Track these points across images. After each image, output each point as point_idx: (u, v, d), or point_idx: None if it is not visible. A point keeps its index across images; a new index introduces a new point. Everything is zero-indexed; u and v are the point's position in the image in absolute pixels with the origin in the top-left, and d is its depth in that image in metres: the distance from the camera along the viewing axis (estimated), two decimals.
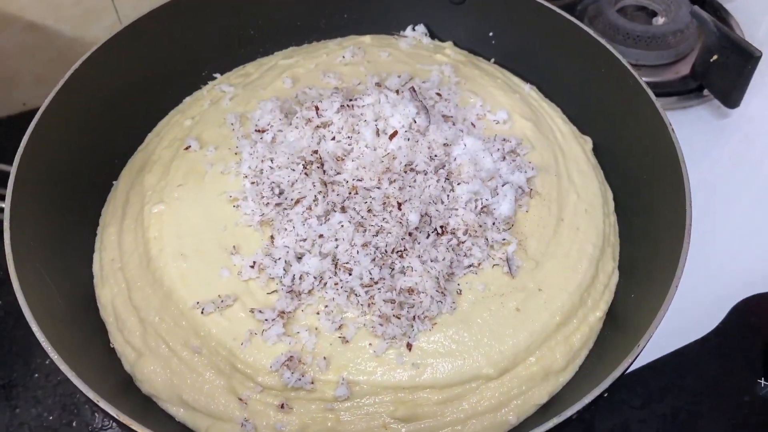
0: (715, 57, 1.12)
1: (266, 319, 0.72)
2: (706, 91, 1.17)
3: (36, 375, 0.93)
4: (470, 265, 0.75)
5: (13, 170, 0.72)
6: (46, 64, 1.19)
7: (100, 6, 1.16)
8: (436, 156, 0.79)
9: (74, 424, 0.89)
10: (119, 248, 0.81)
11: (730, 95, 1.12)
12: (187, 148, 0.85)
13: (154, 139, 0.93)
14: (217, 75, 1.00)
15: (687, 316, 0.90)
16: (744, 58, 1.07)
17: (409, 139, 0.78)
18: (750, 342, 0.92)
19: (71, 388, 0.91)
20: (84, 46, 1.18)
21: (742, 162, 1.12)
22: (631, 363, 0.62)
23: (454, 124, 0.83)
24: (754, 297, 0.95)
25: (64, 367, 0.57)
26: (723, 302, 0.95)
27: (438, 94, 0.88)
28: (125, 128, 0.91)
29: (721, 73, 1.12)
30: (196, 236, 0.79)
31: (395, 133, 0.79)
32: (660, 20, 1.22)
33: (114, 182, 0.89)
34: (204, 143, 0.87)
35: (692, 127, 1.15)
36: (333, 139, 0.79)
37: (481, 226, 0.76)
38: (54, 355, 0.59)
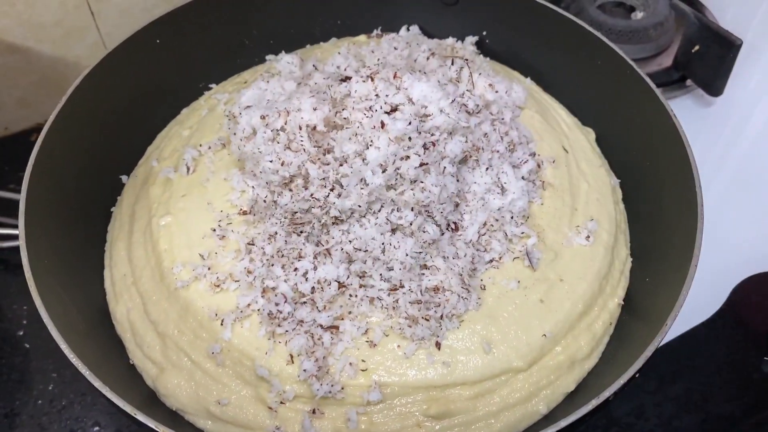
0: (696, 47, 1.15)
1: (286, 331, 0.71)
2: (689, 82, 1.19)
3: (39, 402, 0.91)
4: (491, 260, 0.75)
5: (22, 197, 0.71)
6: (28, 87, 1.17)
7: (82, 25, 1.14)
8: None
9: None
10: (130, 263, 0.80)
11: (713, 84, 1.15)
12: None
13: (154, 152, 0.92)
14: (214, 86, 0.99)
15: (691, 299, 0.92)
16: (725, 47, 1.10)
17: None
18: (753, 321, 0.94)
19: (77, 411, 0.90)
20: (67, 66, 1.16)
21: (730, 146, 1.15)
22: (661, 341, 0.63)
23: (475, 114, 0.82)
24: (752, 277, 0.98)
25: (98, 384, 0.56)
26: (724, 284, 0.97)
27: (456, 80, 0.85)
28: (125, 145, 0.90)
29: (703, 63, 1.15)
30: (206, 245, 0.78)
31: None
32: (638, 15, 1.25)
33: (118, 198, 0.88)
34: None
35: (678, 117, 1.17)
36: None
37: (498, 220, 0.76)
38: (85, 371, 0.57)
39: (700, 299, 0.94)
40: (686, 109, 1.19)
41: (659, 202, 0.80)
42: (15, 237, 0.96)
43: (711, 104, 1.19)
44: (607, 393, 0.57)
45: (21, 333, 0.97)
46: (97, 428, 0.89)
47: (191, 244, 0.78)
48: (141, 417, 0.54)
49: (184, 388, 0.71)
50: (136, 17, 0.91)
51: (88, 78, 0.84)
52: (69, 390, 0.92)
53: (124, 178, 0.90)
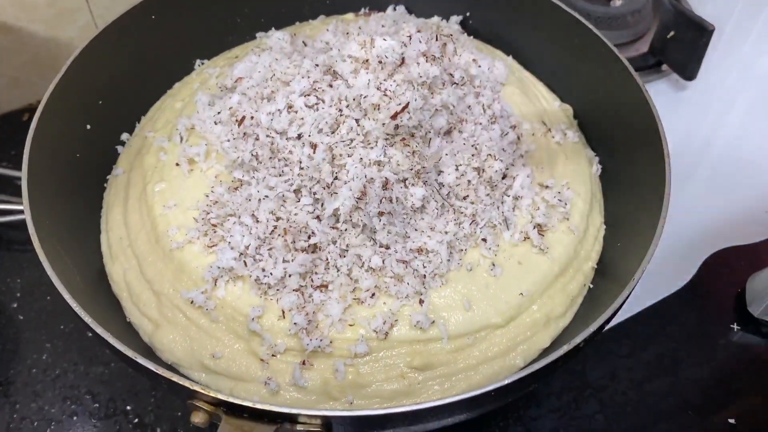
0: (671, 33, 1.19)
1: (278, 290, 0.74)
2: (664, 66, 1.24)
3: (34, 370, 0.93)
4: (473, 222, 0.79)
5: (24, 169, 0.73)
6: (20, 67, 1.19)
7: (74, 6, 1.16)
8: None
9: (76, 416, 0.90)
10: (126, 227, 0.82)
11: (687, 68, 1.20)
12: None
13: (147, 123, 0.94)
14: (206, 61, 1.02)
15: (663, 271, 0.97)
16: (699, 33, 1.15)
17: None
18: (722, 292, 0.99)
19: (70, 379, 0.92)
20: (59, 46, 1.18)
21: (703, 127, 1.20)
22: (625, 299, 0.66)
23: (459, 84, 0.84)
24: (722, 251, 1.03)
25: (100, 330, 0.59)
26: (694, 258, 1.02)
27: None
28: (120, 117, 0.92)
29: (677, 48, 1.19)
30: (199, 209, 0.80)
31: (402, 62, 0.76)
32: (617, 2, 1.29)
33: (114, 166, 0.90)
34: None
35: (654, 100, 1.21)
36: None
37: (480, 175, 0.79)
38: (88, 319, 0.60)
39: (672, 271, 1.00)
40: (661, 93, 1.24)
41: (632, 173, 0.84)
42: (8, 212, 1.00)
43: (685, 88, 1.24)
44: (578, 339, 0.60)
45: (15, 305, 0.99)
46: (89, 396, 0.91)
47: (185, 208, 0.80)
48: (141, 360, 0.57)
49: (179, 342, 0.73)
50: (127, 0, 0.93)
51: (83, 54, 0.86)
52: (62, 359, 0.94)
53: (119, 148, 0.92)
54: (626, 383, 0.91)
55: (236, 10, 1.01)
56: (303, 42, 0.92)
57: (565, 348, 0.60)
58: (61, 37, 1.19)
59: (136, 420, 0.89)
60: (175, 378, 0.56)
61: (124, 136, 0.93)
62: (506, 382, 0.57)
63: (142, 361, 0.57)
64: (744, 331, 0.95)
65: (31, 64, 1.19)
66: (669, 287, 0.99)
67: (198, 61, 1.01)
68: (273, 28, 1.04)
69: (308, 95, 0.75)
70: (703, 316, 0.97)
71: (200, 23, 0.98)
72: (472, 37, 1.03)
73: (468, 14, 1.04)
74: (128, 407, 0.90)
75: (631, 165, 0.84)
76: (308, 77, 0.77)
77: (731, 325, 0.96)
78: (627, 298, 0.66)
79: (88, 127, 0.87)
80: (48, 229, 0.73)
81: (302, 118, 0.75)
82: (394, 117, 0.72)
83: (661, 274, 0.97)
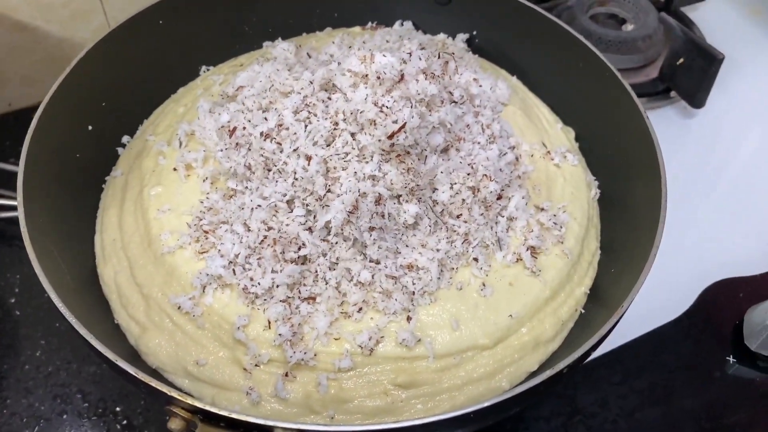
0: (681, 60, 1.19)
1: (265, 300, 0.74)
2: (673, 93, 1.24)
3: (27, 367, 0.94)
4: (465, 241, 0.78)
5: (21, 168, 0.74)
6: (34, 65, 1.21)
7: (89, 8, 1.18)
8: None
9: (66, 414, 0.90)
10: (120, 229, 0.83)
11: (696, 96, 1.19)
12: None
13: (149, 126, 0.95)
14: (212, 68, 1.03)
15: (661, 299, 0.96)
16: (708, 61, 1.14)
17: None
18: (719, 323, 0.98)
19: (62, 378, 0.93)
20: (73, 47, 1.20)
21: (709, 156, 1.19)
22: (612, 327, 0.66)
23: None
24: (721, 282, 1.02)
25: (83, 331, 0.59)
26: (693, 287, 1.01)
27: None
28: (122, 120, 0.93)
29: (686, 76, 1.19)
30: (193, 215, 0.81)
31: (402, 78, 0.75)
32: (629, 27, 1.29)
33: (113, 168, 0.91)
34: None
35: (661, 127, 1.19)
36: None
37: (474, 194, 0.79)
38: (72, 320, 0.60)
39: (670, 300, 0.99)
40: (669, 119, 1.23)
41: (629, 199, 0.83)
42: (12, 208, 1.01)
43: (693, 116, 1.23)
44: (562, 365, 0.60)
45: (12, 301, 1.00)
46: (80, 395, 0.92)
47: (179, 213, 0.81)
48: (122, 364, 0.57)
49: (164, 347, 0.73)
50: (142, 3, 0.94)
51: (90, 54, 0.87)
52: (56, 357, 0.95)
53: (120, 150, 0.93)
54: (617, 411, 0.90)
55: (245, 18, 1.02)
56: (307, 53, 0.92)
57: (548, 373, 0.59)
58: (74, 37, 1.21)
59: (125, 422, 0.89)
60: (153, 383, 0.56)
61: (125, 138, 0.93)
62: (486, 404, 0.57)
63: (121, 363, 0.57)
64: (740, 364, 0.94)
65: (44, 63, 1.20)
66: (666, 315, 0.98)
67: (203, 68, 1.02)
68: (280, 38, 1.04)
69: (300, 111, 0.76)
70: (699, 347, 0.96)
71: (208, 30, 0.99)
72: (477, 55, 1.03)
73: (474, 33, 1.04)
74: (118, 408, 0.90)
75: (629, 191, 0.84)
76: (301, 93, 0.78)
77: (727, 357, 0.95)
78: (614, 325, 0.65)
79: (90, 127, 0.88)
80: (42, 227, 0.74)
81: (295, 133, 0.75)
82: (390, 137, 0.72)
83: (658, 302, 0.96)
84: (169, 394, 0.55)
